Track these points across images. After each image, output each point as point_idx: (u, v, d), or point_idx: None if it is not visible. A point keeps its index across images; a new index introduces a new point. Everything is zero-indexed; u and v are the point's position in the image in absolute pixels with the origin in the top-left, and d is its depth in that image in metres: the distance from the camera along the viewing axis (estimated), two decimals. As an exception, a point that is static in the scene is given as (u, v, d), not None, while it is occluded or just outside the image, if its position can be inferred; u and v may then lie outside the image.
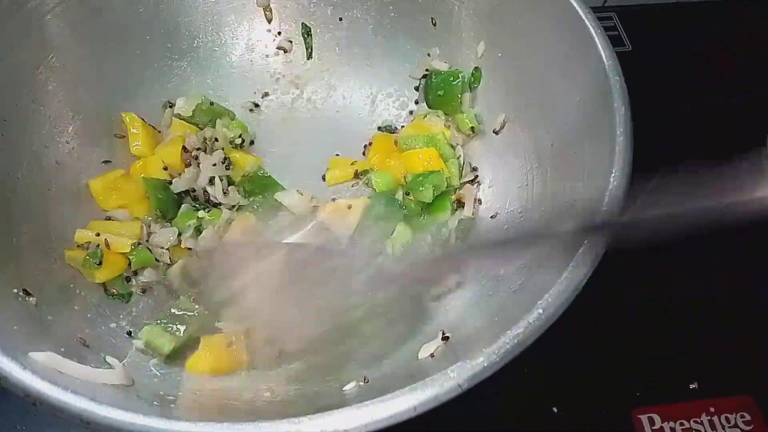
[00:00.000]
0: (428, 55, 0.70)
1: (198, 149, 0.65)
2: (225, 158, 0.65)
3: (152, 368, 0.50)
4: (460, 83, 0.67)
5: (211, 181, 0.63)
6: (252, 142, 0.70)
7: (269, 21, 0.73)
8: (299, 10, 0.72)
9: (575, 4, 0.55)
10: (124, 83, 0.66)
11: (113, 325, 0.55)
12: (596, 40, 0.53)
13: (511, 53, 0.63)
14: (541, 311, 0.38)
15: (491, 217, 0.62)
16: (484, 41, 0.66)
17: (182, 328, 0.52)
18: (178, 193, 0.63)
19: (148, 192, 0.61)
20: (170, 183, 0.63)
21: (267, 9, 0.72)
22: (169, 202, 0.62)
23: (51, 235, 0.56)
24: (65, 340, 0.47)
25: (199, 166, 0.64)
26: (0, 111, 0.54)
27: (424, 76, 0.70)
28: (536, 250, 0.49)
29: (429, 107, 0.70)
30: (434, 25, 0.69)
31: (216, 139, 0.66)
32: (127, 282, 0.58)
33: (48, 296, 0.50)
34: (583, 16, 0.54)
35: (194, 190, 0.63)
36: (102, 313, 0.54)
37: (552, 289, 0.39)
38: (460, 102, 0.67)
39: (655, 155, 0.47)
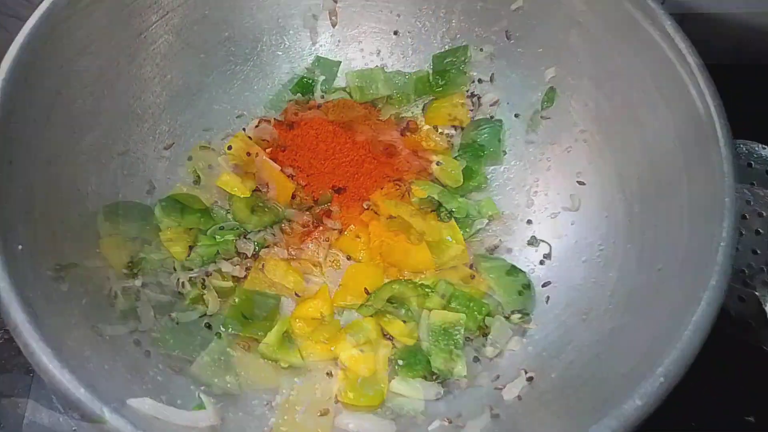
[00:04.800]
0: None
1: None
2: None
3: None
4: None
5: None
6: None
7: (334, 26, 0.70)
8: (364, 16, 0.70)
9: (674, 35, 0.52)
10: (186, 87, 0.64)
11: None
12: (697, 76, 0.50)
13: (592, 78, 0.61)
14: (662, 379, 0.37)
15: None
16: (555, 67, 0.63)
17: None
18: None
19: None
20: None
21: (333, 14, 0.69)
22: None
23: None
24: (151, 376, 0.46)
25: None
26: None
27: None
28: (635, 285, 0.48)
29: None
30: (508, 38, 0.66)
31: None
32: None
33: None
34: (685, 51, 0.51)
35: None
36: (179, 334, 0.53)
37: (673, 352, 0.38)
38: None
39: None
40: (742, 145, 0.65)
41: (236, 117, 0.67)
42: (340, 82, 0.70)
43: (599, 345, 0.49)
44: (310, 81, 0.69)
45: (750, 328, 0.55)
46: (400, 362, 0.55)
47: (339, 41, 0.71)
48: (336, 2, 0.69)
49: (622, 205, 0.57)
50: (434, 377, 0.54)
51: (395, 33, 0.70)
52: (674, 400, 0.38)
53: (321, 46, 0.70)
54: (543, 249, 0.62)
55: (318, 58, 0.70)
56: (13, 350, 0.65)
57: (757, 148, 0.65)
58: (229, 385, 0.50)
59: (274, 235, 0.62)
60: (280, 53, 0.69)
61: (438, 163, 0.64)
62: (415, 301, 0.58)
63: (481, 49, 0.68)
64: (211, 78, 0.65)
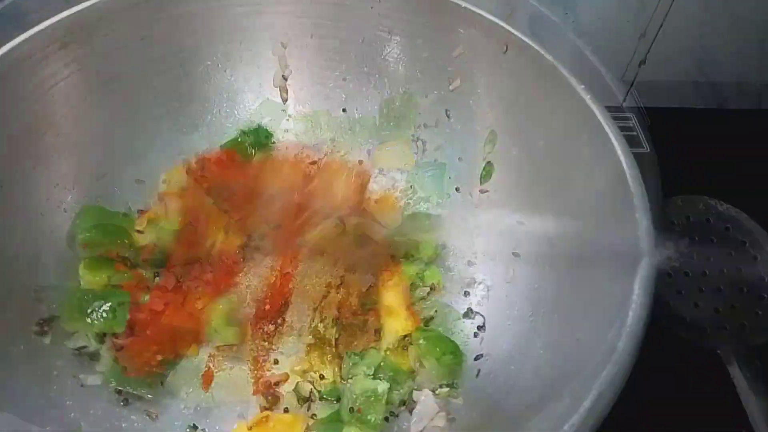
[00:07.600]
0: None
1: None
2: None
3: None
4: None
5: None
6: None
7: (284, 101, 0.73)
8: (313, 93, 0.72)
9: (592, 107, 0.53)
10: (130, 152, 0.65)
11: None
12: (615, 144, 0.51)
13: (522, 143, 0.62)
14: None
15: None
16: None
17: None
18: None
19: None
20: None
21: (283, 90, 0.72)
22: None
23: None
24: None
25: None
26: (-1, 175, 0.53)
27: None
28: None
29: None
30: (448, 117, 0.68)
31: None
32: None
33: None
34: (600, 119, 0.53)
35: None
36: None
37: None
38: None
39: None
40: (700, 202, 0.66)
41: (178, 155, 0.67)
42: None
43: (521, 416, 0.46)
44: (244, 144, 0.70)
45: (705, 333, 0.54)
46: (316, 435, 0.51)
47: (289, 116, 0.73)
48: (286, 80, 0.72)
49: (551, 275, 0.56)
50: (347, 452, 0.50)
51: (343, 110, 0.72)
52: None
53: (271, 120, 0.73)
54: (477, 321, 0.60)
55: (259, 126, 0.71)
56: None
57: (715, 204, 0.66)
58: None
59: (201, 269, 0.60)
60: (229, 125, 0.71)
61: (376, 202, 0.65)
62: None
63: (427, 96, 0.69)
64: (156, 143, 0.66)
